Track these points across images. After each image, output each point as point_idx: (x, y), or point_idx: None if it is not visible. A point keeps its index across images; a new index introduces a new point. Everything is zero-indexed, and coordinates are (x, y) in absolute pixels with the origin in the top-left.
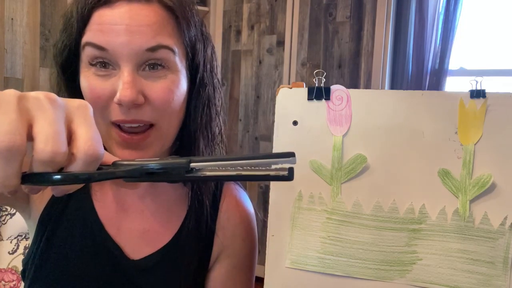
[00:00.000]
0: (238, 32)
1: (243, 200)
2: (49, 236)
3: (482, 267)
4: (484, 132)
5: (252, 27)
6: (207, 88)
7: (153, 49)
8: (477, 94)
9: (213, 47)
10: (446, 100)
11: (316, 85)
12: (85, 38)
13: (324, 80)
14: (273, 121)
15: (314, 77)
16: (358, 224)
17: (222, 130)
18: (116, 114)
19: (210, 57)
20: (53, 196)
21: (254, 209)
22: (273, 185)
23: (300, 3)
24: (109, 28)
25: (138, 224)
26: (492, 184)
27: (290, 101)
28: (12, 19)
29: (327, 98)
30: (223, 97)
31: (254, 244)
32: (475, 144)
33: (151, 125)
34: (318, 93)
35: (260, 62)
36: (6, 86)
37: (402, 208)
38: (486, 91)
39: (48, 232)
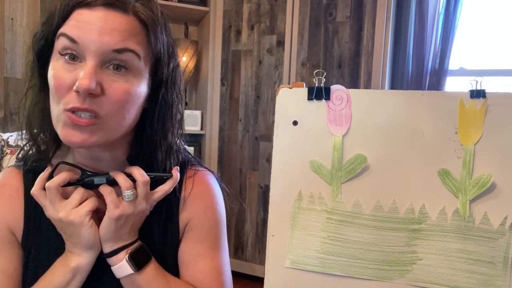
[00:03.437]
0: (238, 32)
1: (206, 178)
2: (30, 247)
3: (482, 267)
4: (484, 132)
5: (252, 27)
6: (168, 103)
7: (119, 51)
8: (477, 94)
9: (178, 66)
10: (446, 100)
11: (316, 85)
12: (61, 30)
13: (324, 80)
14: (273, 121)
15: (314, 77)
16: (358, 224)
17: (178, 144)
18: (73, 102)
19: (172, 74)
20: (25, 216)
21: (225, 189)
22: (273, 185)
23: (300, 3)
24: (84, 25)
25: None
26: (492, 184)
27: (290, 101)
28: (12, 19)
29: (327, 98)
30: (182, 113)
31: (218, 217)
32: (475, 144)
33: (100, 117)
34: (318, 93)
35: (260, 62)
36: (6, 86)
37: (402, 208)
38: (486, 91)
39: (30, 244)
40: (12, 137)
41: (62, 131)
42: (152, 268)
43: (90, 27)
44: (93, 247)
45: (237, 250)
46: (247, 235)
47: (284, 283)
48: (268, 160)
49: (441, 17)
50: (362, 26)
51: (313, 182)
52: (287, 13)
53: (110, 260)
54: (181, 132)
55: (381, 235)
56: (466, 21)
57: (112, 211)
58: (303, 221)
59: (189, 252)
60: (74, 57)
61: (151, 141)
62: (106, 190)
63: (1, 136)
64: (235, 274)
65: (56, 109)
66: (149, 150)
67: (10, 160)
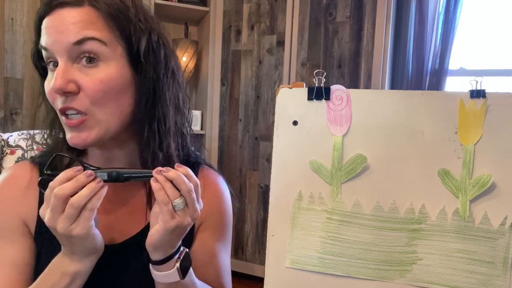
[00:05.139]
0: (238, 32)
1: (217, 180)
2: (42, 242)
3: (482, 267)
4: (484, 132)
5: (252, 27)
6: (150, 81)
7: (79, 42)
8: (477, 94)
9: (158, 42)
10: (446, 100)
11: (316, 85)
12: (39, 43)
13: (324, 80)
14: (273, 121)
15: (314, 77)
16: (358, 224)
17: (181, 123)
18: (59, 102)
19: (149, 47)
20: (39, 208)
21: (230, 191)
22: (273, 185)
23: (300, 3)
24: (48, 31)
25: (118, 213)
26: (492, 184)
27: (290, 101)
28: (12, 19)
29: (327, 98)
30: (181, 93)
31: (229, 218)
32: (475, 144)
33: (86, 114)
34: (318, 93)
35: (260, 62)
36: (6, 86)
37: (402, 208)
38: (486, 91)
39: (43, 239)
40: (12, 137)
41: (67, 137)
42: (191, 273)
43: (51, 31)
44: (96, 252)
45: (237, 250)
46: (247, 235)
47: (284, 283)
48: (268, 160)
49: (441, 17)
50: (362, 26)
51: (313, 182)
52: (287, 13)
53: (157, 267)
54: (181, 108)
55: (381, 235)
56: (466, 21)
57: (169, 222)
58: (303, 221)
59: (204, 252)
60: (56, 64)
61: (137, 120)
62: (163, 199)
63: (1, 136)
64: (235, 274)
65: (58, 114)
66: (139, 131)
67: (10, 159)
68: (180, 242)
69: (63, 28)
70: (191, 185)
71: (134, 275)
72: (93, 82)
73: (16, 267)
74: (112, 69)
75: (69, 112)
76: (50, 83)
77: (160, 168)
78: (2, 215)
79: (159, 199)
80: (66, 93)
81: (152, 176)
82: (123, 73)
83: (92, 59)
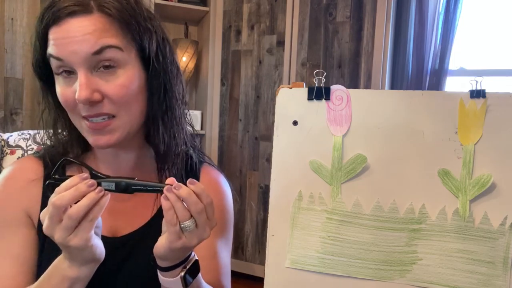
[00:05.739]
0: (238, 32)
1: (218, 178)
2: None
3: (482, 267)
4: (484, 132)
5: (252, 27)
6: (160, 78)
7: (98, 52)
8: (477, 94)
9: (163, 39)
10: (446, 100)
11: (316, 85)
12: (48, 51)
13: (324, 80)
14: (273, 121)
15: (314, 77)
16: (358, 224)
17: (186, 116)
18: (83, 110)
19: (158, 48)
20: (42, 201)
21: (232, 190)
22: (273, 185)
23: (300, 3)
24: (60, 42)
25: (120, 206)
26: (492, 184)
27: (290, 101)
28: (12, 19)
29: (327, 98)
30: (184, 86)
31: (231, 216)
32: (475, 144)
33: (114, 116)
34: (318, 93)
35: (260, 62)
36: (6, 86)
37: (402, 208)
38: (486, 91)
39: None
40: (12, 137)
41: (89, 139)
42: (196, 280)
43: (65, 42)
44: (95, 261)
45: (237, 250)
46: (247, 235)
47: (284, 283)
48: (268, 160)
49: (441, 17)
50: (362, 26)
51: (313, 182)
52: (287, 13)
53: (163, 273)
54: (185, 103)
55: (381, 235)
56: (466, 21)
57: (175, 242)
58: (303, 221)
59: (204, 249)
60: (70, 72)
61: (150, 117)
62: (171, 220)
63: (1, 136)
64: (235, 274)
65: (75, 119)
66: (153, 127)
67: (10, 159)
68: (190, 251)
69: (79, 38)
70: (202, 206)
71: (138, 268)
72: (116, 89)
73: (18, 259)
74: (130, 73)
75: (97, 118)
76: (73, 91)
77: (172, 182)
78: (6, 207)
79: (166, 219)
80: (91, 102)
81: (161, 191)
82: (139, 75)
83: (109, 65)
